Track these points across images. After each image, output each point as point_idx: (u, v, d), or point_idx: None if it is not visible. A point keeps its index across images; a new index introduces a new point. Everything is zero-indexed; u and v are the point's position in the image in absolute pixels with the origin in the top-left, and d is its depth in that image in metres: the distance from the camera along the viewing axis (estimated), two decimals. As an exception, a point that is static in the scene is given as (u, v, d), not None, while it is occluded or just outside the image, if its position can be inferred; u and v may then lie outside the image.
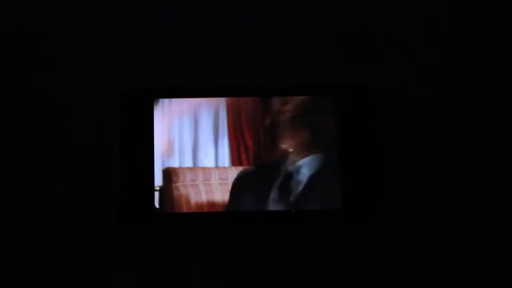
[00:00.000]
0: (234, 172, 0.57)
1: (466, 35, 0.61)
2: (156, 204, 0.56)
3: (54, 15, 0.60)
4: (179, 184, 0.56)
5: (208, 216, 0.56)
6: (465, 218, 0.58)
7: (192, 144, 0.57)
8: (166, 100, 0.57)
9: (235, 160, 0.57)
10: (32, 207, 0.57)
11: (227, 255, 0.57)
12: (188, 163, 0.57)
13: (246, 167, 0.57)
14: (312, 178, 0.56)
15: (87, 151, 0.58)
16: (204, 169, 0.57)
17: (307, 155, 0.57)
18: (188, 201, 0.56)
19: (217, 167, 0.57)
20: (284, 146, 0.57)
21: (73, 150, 0.58)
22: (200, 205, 0.56)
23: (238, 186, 0.56)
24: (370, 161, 0.57)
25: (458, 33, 0.61)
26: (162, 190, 0.56)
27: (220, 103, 0.57)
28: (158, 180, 0.56)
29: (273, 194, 0.56)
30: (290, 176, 0.57)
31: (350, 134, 0.57)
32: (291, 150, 0.57)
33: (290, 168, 0.57)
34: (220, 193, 0.56)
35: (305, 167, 0.57)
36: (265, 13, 0.61)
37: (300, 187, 0.56)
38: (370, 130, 0.58)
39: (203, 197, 0.56)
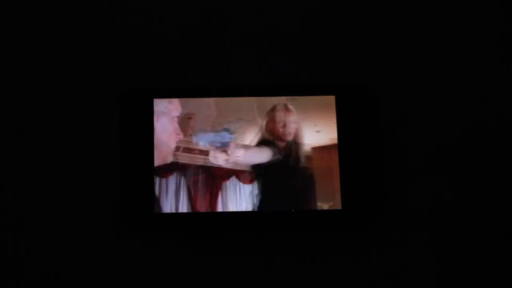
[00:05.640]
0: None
1: (466, 35, 0.61)
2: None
3: (55, 15, 0.60)
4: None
5: (207, 216, 0.56)
6: (465, 217, 0.58)
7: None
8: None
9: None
10: (31, 207, 0.57)
11: (226, 255, 0.57)
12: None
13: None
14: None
15: (87, 150, 0.58)
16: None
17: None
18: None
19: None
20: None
21: (72, 149, 0.58)
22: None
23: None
24: (371, 161, 0.57)
25: (458, 33, 0.61)
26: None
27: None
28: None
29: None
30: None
31: (351, 134, 0.57)
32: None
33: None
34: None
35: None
36: (265, 12, 0.61)
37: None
38: (371, 130, 0.57)
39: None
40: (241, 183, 0.56)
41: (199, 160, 0.56)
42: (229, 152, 0.56)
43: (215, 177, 0.56)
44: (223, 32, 0.60)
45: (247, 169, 0.56)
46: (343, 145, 0.57)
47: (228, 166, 0.56)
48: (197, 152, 0.57)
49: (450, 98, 0.59)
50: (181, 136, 0.57)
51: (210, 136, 0.57)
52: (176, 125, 0.57)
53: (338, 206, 0.56)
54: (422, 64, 0.60)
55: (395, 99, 0.59)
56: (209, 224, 0.57)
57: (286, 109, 0.57)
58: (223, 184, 0.56)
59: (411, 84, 0.60)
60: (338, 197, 0.56)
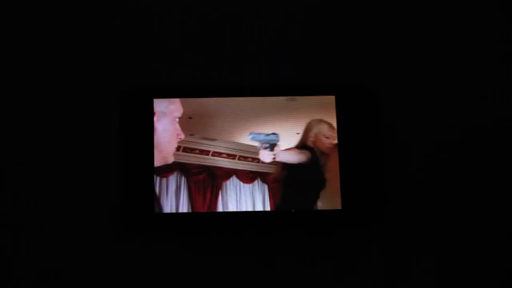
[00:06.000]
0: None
1: (466, 35, 0.61)
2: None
3: (55, 15, 0.60)
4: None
5: (207, 216, 0.56)
6: (465, 217, 0.58)
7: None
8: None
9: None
10: (31, 207, 0.57)
11: (226, 255, 0.57)
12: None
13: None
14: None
15: (87, 151, 0.58)
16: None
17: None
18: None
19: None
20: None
21: (72, 149, 0.58)
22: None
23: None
24: (371, 161, 0.57)
25: (458, 33, 0.61)
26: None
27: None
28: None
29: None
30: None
31: (351, 134, 0.57)
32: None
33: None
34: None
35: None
36: (265, 12, 0.61)
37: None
38: (371, 130, 0.57)
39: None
40: (241, 183, 0.57)
41: (200, 160, 0.57)
42: (274, 152, 0.57)
43: (216, 177, 0.56)
44: (223, 32, 0.60)
45: (279, 168, 0.57)
46: (343, 145, 0.57)
47: (271, 162, 0.57)
48: (197, 152, 0.57)
49: (450, 98, 0.59)
50: (182, 136, 0.57)
51: (261, 136, 0.57)
52: (177, 125, 0.57)
53: (338, 206, 0.56)
54: (422, 64, 0.60)
55: (395, 99, 0.59)
56: (209, 224, 0.57)
57: (333, 127, 0.57)
58: (224, 184, 0.56)
59: (411, 84, 0.60)
60: (338, 197, 0.56)
